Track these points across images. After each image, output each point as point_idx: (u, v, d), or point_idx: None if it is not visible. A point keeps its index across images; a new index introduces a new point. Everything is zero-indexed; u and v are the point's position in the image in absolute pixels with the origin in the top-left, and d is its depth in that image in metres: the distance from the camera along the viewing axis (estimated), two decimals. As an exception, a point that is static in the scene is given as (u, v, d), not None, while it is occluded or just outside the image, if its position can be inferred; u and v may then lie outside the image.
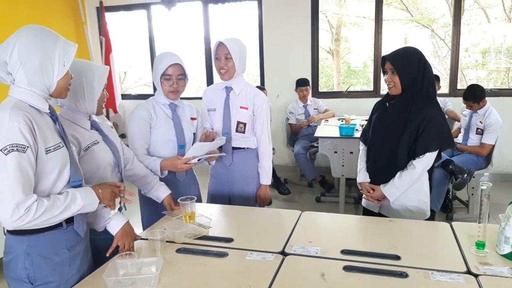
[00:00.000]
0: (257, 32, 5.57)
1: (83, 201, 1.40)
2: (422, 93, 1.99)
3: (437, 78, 4.01)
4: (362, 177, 2.27)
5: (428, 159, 2.00)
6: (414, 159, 2.02)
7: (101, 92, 1.72)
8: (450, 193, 4.23)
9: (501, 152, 4.55)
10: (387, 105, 2.13)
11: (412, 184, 2.04)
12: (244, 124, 2.41)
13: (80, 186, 1.47)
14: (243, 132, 2.42)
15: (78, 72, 1.62)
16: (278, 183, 4.71)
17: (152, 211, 2.11)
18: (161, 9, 5.75)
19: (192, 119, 2.32)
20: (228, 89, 2.42)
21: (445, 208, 3.98)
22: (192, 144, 2.22)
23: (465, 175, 3.50)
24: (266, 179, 2.51)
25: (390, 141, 2.07)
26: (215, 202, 2.42)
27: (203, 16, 5.75)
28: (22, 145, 1.27)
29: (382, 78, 5.37)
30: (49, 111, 1.43)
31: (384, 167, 2.12)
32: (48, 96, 1.42)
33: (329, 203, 4.40)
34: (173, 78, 2.14)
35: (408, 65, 1.98)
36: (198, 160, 2.13)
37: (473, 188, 3.76)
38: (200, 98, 2.55)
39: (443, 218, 3.86)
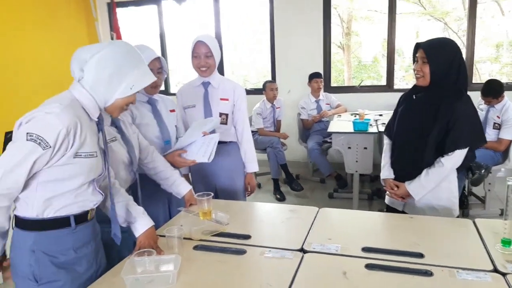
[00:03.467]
0: (268, 27, 5.52)
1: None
2: (453, 87, 1.89)
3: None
4: (386, 173, 2.16)
5: (457, 156, 1.91)
6: (443, 156, 1.92)
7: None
8: (466, 188, 4.16)
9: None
10: (414, 97, 2.05)
11: (439, 182, 1.96)
12: (227, 115, 2.47)
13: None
14: (226, 123, 2.46)
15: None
16: (290, 179, 4.68)
17: (152, 199, 2.07)
18: (172, 4, 5.74)
19: (171, 111, 2.28)
20: (206, 84, 2.44)
21: (461, 204, 3.90)
22: (176, 138, 2.22)
23: (483, 171, 3.44)
24: (254, 167, 2.58)
25: (417, 135, 1.98)
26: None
27: (214, 11, 5.72)
28: (48, 143, 1.27)
29: (396, 72, 5.38)
30: (97, 119, 1.45)
31: (409, 163, 2.03)
32: (102, 107, 1.44)
33: (342, 199, 4.36)
34: (154, 73, 2.05)
35: (441, 56, 1.87)
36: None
37: (490, 184, 3.70)
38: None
39: (459, 215, 3.79)
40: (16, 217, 1.40)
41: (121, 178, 1.78)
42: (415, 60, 1.98)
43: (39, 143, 1.26)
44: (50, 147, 1.27)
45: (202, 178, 2.54)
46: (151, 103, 2.18)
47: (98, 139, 1.45)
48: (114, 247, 1.76)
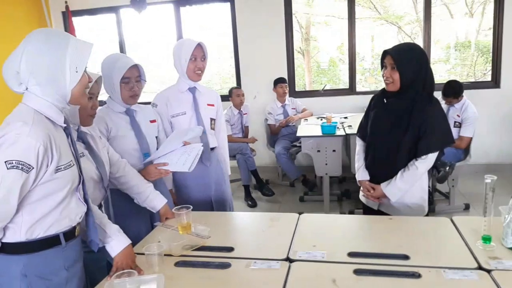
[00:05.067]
0: (230, 34, 5.49)
1: None
2: (422, 91, 1.94)
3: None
4: (362, 175, 2.19)
5: (430, 159, 1.97)
6: (416, 159, 1.97)
7: (85, 102, 1.56)
8: (431, 185, 4.30)
9: (477, 144, 4.66)
10: (385, 101, 2.08)
11: (414, 184, 2.02)
12: (214, 120, 2.48)
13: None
14: (214, 129, 2.48)
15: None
16: (261, 184, 4.65)
17: (125, 212, 1.98)
18: (131, 12, 5.59)
19: (152, 121, 2.18)
20: (193, 90, 2.40)
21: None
22: (157, 149, 2.11)
23: (447, 168, 3.56)
24: (229, 170, 2.65)
25: (391, 139, 2.02)
26: (197, 209, 2.31)
27: (175, 18, 5.62)
28: (29, 165, 1.18)
29: (357, 77, 5.50)
30: (64, 125, 1.34)
31: (384, 164, 2.08)
32: (65, 105, 1.32)
33: (313, 202, 4.37)
34: (132, 81, 1.99)
35: (410, 61, 1.91)
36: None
37: (453, 180, 3.83)
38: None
39: (426, 211, 3.91)
40: (2, 244, 1.29)
41: (91, 195, 1.67)
42: (383, 66, 2.01)
43: (22, 168, 1.17)
44: (33, 168, 1.20)
45: (198, 190, 2.44)
46: (129, 114, 2.07)
47: (69, 145, 1.36)
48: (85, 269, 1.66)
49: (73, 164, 1.34)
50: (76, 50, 1.27)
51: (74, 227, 1.40)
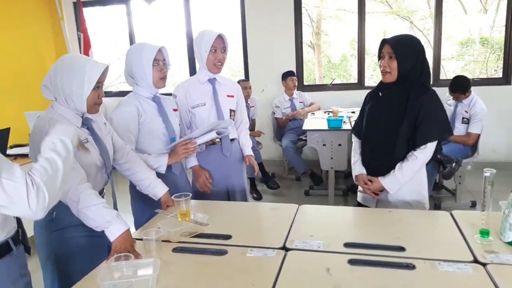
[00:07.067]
0: (240, 26, 5.49)
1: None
2: (418, 82, 1.92)
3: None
4: (358, 169, 2.16)
5: (429, 149, 1.93)
6: (415, 149, 1.95)
7: (92, 90, 1.59)
8: (437, 181, 4.27)
9: (486, 140, 4.61)
10: (380, 94, 2.07)
11: (413, 176, 1.97)
12: (234, 112, 2.47)
13: None
14: (233, 120, 2.48)
15: (70, 66, 1.56)
16: (267, 178, 4.66)
17: (146, 207, 2.02)
18: (141, 3, 5.62)
19: (174, 110, 2.26)
20: (213, 81, 2.40)
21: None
22: (180, 137, 2.21)
23: (453, 164, 3.52)
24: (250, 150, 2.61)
25: (387, 131, 1.99)
26: (213, 198, 2.36)
27: (184, 10, 5.64)
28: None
29: (367, 71, 5.46)
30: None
31: (381, 159, 2.04)
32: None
33: (319, 196, 4.39)
34: (161, 64, 2.08)
35: (408, 51, 1.90)
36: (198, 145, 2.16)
37: (460, 176, 3.80)
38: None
39: (431, 207, 3.88)
40: None
41: (94, 180, 1.71)
42: (380, 56, 2.00)
43: None
44: None
45: (216, 180, 2.46)
46: (156, 101, 2.15)
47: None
48: (87, 254, 1.70)
49: None
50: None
51: (17, 231, 1.41)
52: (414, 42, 1.94)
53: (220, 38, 2.29)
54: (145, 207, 2.05)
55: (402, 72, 1.92)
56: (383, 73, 1.97)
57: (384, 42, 1.97)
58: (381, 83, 2.08)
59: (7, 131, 3.12)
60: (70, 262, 1.70)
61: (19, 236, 1.43)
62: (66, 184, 1.27)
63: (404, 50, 1.90)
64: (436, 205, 3.94)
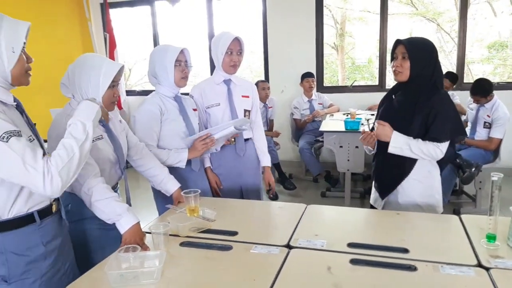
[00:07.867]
0: (261, 27, 5.53)
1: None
2: (429, 83, 1.92)
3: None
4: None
5: (442, 148, 1.91)
6: None
7: (108, 88, 1.67)
8: (457, 187, 4.19)
9: (508, 146, 4.49)
10: (394, 97, 2.07)
11: (419, 155, 1.92)
12: (249, 112, 2.49)
13: None
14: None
15: (87, 65, 1.64)
16: (283, 178, 4.68)
17: (168, 203, 2.07)
18: (165, 5, 5.74)
19: (194, 110, 2.33)
20: (228, 82, 2.44)
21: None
22: None
23: (473, 169, 3.45)
24: (269, 161, 2.60)
25: (398, 130, 1.97)
26: (227, 197, 2.40)
27: (207, 12, 5.72)
28: (15, 130, 1.25)
29: (388, 72, 5.41)
30: (15, 103, 1.38)
31: (393, 159, 2.01)
32: (9, 86, 1.35)
33: (335, 198, 4.37)
34: (183, 64, 2.16)
35: (422, 52, 1.90)
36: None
37: (480, 182, 3.72)
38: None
39: (450, 212, 3.82)
40: None
41: (107, 175, 1.78)
42: (393, 57, 2.01)
43: (14, 134, 1.24)
44: (20, 130, 1.28)
45: (230, 178, 2.50)
46: (177, 101, 2.23)
47: (25, 122, 1.42)
48: (100, 245, 1.76)
49: (33, 139, 1.38)
50: (10, 30, 1.29)
51: (50, 205, 1.47)
52: (427, 44, 1.95)
53: (237, 40, 2.32)
54: (167, 203, 2.11)
55: (414, 73, 1.92)
56: (395, 72, 1.98)
57: (397, 42, 1.98)
58: (394, 86, 2.09)
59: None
60: (85, 252, 1.77)
61: (52, 210, 1.48)
62: (81, 166, 1.35)
63: (417, 50, 1.91)
64: (455, 210, 3.86)
